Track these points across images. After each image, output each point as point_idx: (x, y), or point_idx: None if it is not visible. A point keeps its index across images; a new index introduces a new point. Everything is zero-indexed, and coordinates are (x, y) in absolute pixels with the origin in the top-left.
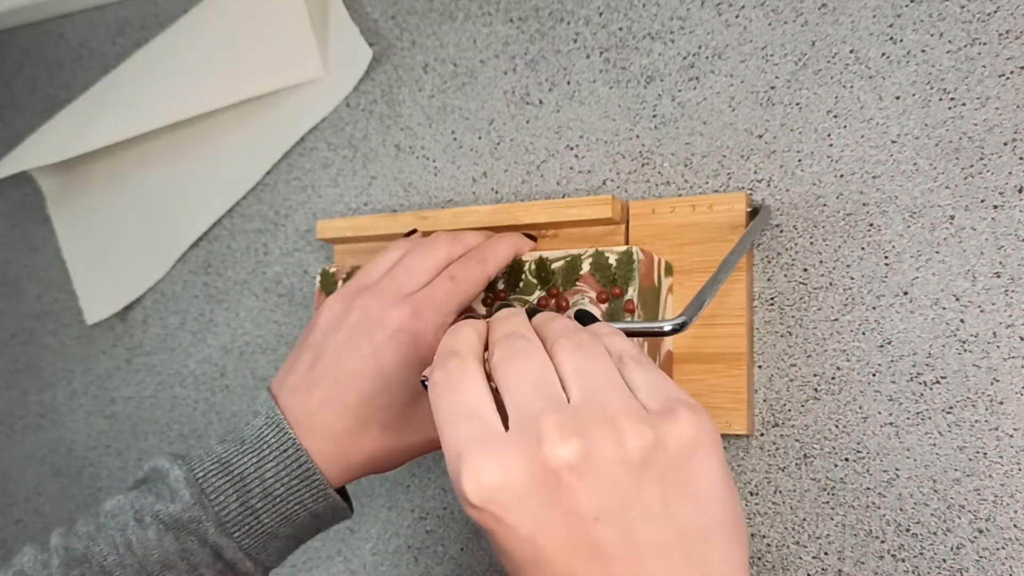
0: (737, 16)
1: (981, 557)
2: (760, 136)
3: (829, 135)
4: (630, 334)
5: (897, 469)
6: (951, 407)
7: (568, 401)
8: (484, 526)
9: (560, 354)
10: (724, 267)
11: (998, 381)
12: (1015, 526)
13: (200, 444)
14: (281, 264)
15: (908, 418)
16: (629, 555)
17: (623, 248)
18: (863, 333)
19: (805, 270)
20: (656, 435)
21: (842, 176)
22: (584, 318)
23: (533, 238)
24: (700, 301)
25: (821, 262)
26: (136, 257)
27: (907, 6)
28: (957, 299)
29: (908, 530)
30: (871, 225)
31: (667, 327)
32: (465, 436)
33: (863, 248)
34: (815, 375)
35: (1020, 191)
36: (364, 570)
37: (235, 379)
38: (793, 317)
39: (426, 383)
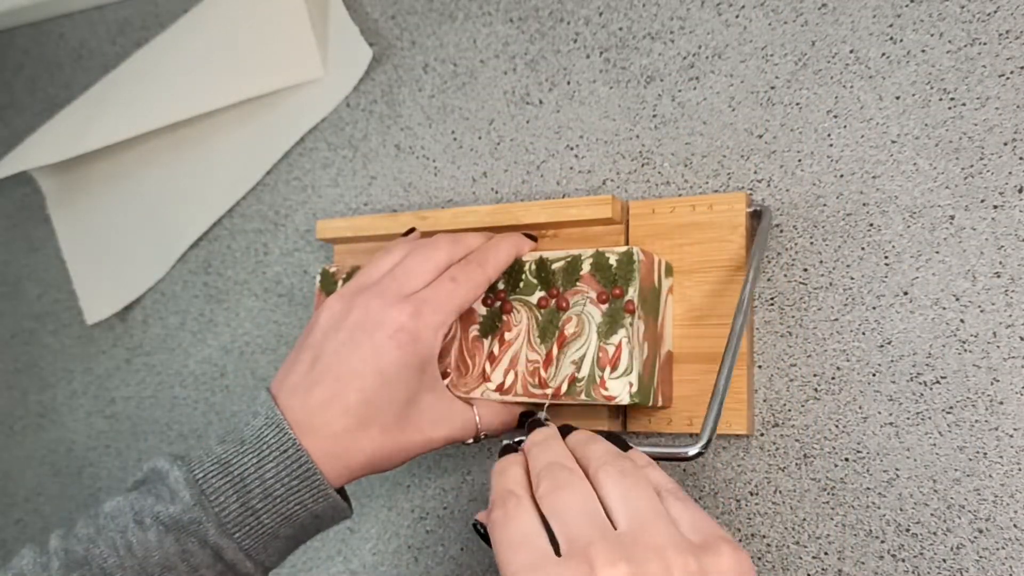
0: (737, 16)
1: (981, 557)
2: (760, 136)
3: (829, 135)
4: (658, 458)
5: (897, 469)
6: (951, 407)
7: (615, 528)
8: None
9: (606, 482)
10: (730, 346)
11: (998, 381)
12: (1015, 526)
13: (199, 445)
14: (281, 264)
15: (908, 418)
16: None
17: (624, 248)
18: (863, 333)
19: (805, 270)
20: (700, 567)
21: (842, 176)
22: (615, 440)
23: (533, 238)
24: (715, 411)
25: (821, 262)
26: (136, 257)
27: (907, 6)
28: (957, 299)
29: (908, 530)
30: (871, 225)
31: (691, 452)
32: (523, 562)
33: (863, 248)
34: (815, 375)
35: (1020, 191)
36: (364, 570)
37: (235, 379)
38: (793, 317)
39: (478, 527)
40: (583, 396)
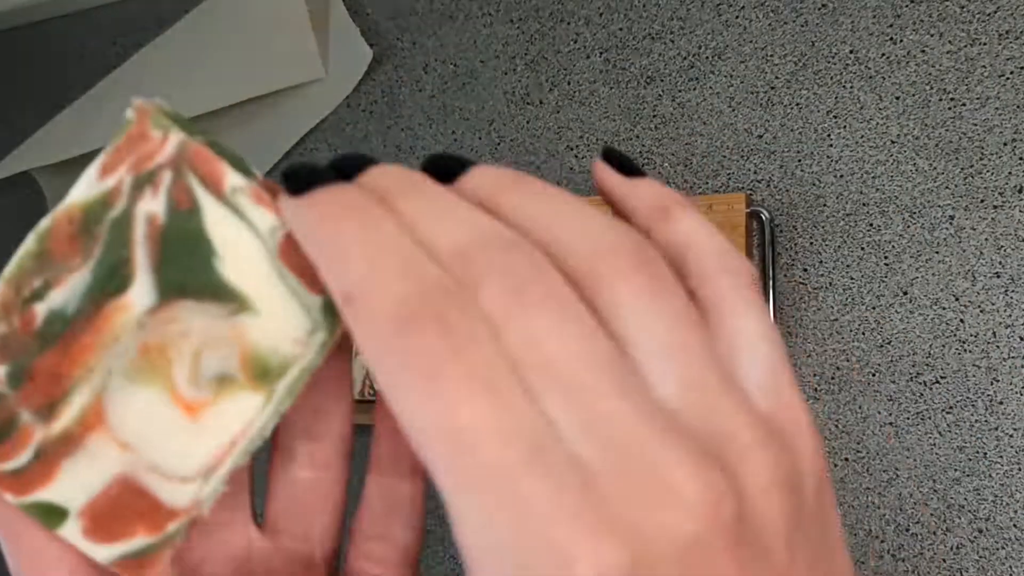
0: (737, 17)
1: (981, 557)
2: (760, 136)
3: (829, 135)
4: None
5: (897, 469)
6: (951, 407)
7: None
8: None
9: (623, 300)
10: None
11: (998, 381)
12: (1015, 526)
13: None
14: None
15: (908, 418)
16: None
17: None
18: (863, 333)
19: (805, 270)
20: (790, 461)
21: (842, 176)
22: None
23: None
24: None
25: (821, 262)
26: None
27: (907, 6)
28: (957, 299)
29: (908, 530)
30: (871, 225)
31: None
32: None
33: (863, 248)
34: (815, 375)
35: (1020, 191)
36: None
37: None
38: (793, 317)
39: None
40: None
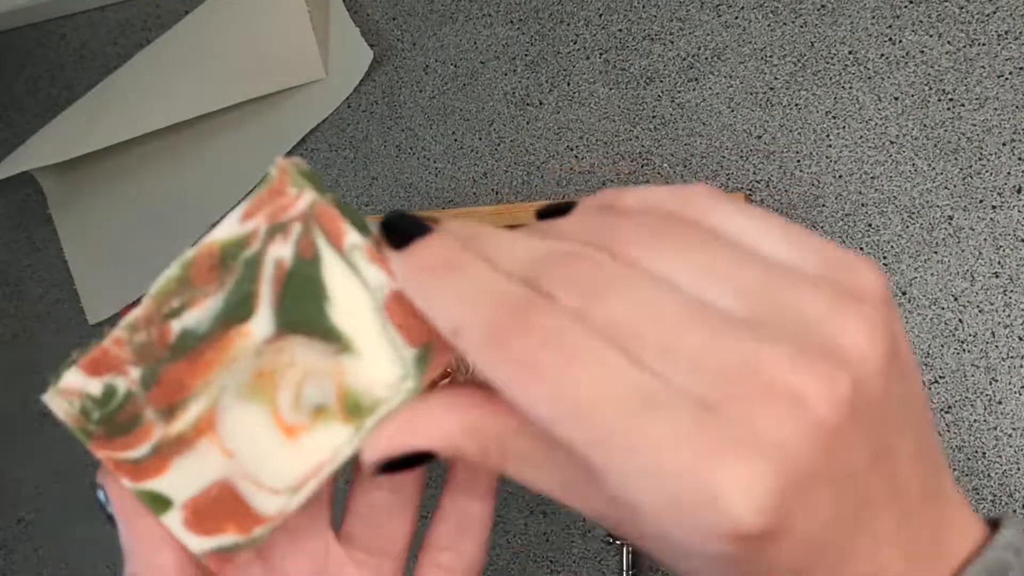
0: (736, 17)
1: None
2: (759, 137)
3: (828, 136)
4: None
5: None
6: (950, 406)
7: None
8: (745, 555)
9: (654, 258)
10: None
11: (996, 381)
12: None
13: None
14: None
15: None
16: (895, 498)
17: None
18: None
19: None
20: (853, 295)
21: (840, 177)
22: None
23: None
24: None
25: None
26: (138, 257)
27: (906, 7)
28: (956, 299)
29: None
30: (870, 225)
31: None
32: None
33: (862, 248)
34: None
35: (1018, 191)
36: None
37: None
38: None
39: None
40: None
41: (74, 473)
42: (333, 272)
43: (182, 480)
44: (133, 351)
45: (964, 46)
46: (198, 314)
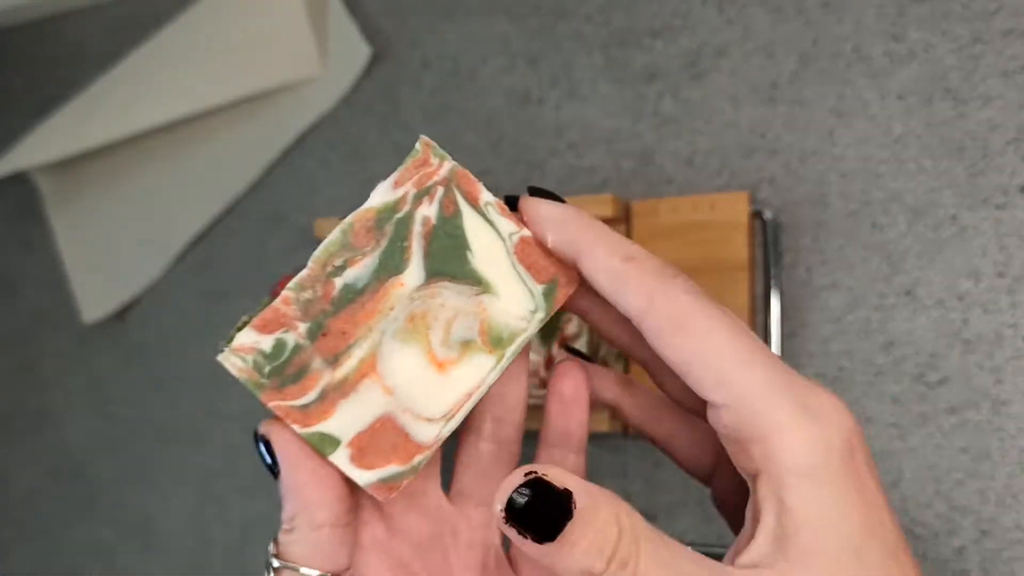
0: (739, 14)
1: (984, 559)
2: (762, 135)
3: (832, 134)
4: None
5: (900, 470)
6: (955, 408)
7: None
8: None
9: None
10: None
11: (1002, 382)
12: (1018, 527)
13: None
14: (280, 263)
15: (911, 419)
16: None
17: None
18: (866, 333)
19: (808, 270)
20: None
21: (845, 175)
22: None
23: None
24: None
25: (824, 262)
26: (134, 256)
27: (910, 4)
28: (961, 299)
29: (911, 532)
30: (874, 224)
31: None
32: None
33: (866, 248)
34: (818, 375)
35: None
36: None
37: (234, 379)
38: (796, 317)
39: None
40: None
41: (71, 474)
42: (472, 225)
43: (348, 420)
44: (300, 308)
45: (968, 43)
46: (357, 271)
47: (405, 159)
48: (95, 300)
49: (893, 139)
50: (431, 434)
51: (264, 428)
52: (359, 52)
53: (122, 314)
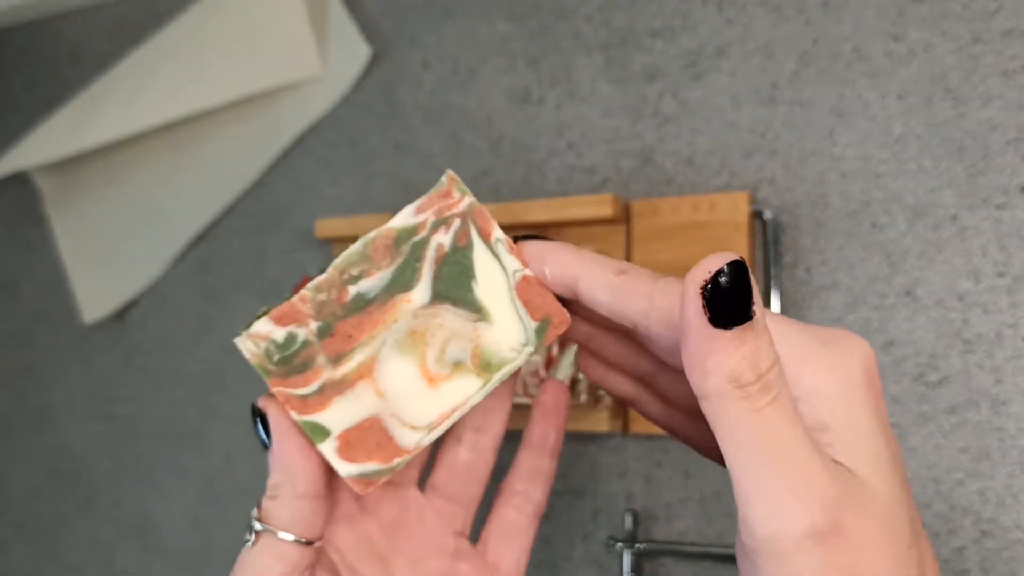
0: (739, 14)
1: (984, 559)
2: (762, 135)
3: (832, 133)
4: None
5: None
6: (955, 408)
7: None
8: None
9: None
10: None
11: (1002, 382)
12: (1018, 527)
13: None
14: (280, 263)
15: (911, 419)
16: None
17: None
18: (866, 333)
19: (808, 270)
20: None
21: (845, 175)
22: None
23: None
24: None
25: (824, 262)
26: (134, 256)
27: (910, 4)
28: (961, 299)
29: None
30: (874, 224)
31: None
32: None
33: (866, 248)
34: None
35: (1023, 190)
36: None
37: (234, 379)
38: (796, 317)
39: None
40: (583, 397)
41: (71, 474)
42: (480, 257)
43: (340, 415)
44: (314, 308)
45: (968, 43)
46: (371, 282)
47: (430, 189)
48: (95, 300)
49: (893, 139)
50: (413, 440)
51: (262, 403)
52: (359, 52)
53: (122, 314)
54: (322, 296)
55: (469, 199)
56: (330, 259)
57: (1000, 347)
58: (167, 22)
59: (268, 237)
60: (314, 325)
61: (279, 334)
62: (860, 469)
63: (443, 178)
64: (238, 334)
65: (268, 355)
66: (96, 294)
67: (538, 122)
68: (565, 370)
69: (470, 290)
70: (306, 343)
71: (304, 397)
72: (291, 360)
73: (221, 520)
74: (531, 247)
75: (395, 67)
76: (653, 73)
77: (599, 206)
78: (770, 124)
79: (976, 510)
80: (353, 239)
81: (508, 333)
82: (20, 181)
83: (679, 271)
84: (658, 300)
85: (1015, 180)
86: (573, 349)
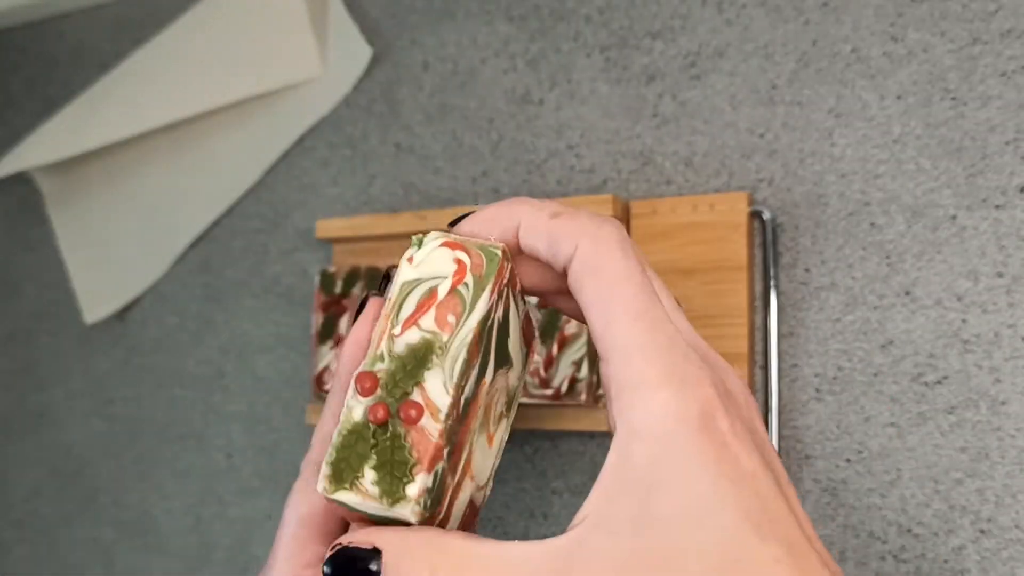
0: (738, 15)
1: (983, 558)
2: (762, 135)
3: (831, 134)
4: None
5: (899, 470)
6: (953, 407)
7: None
8: None
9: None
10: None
11: (1000, 382)
12: (1017, 527)
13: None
14: (280, 264)
15: (910, 419)
16: None
17: None
18: (865, 333)
19: (807, 270)
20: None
21: (844, 175)
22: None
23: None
24: None
25: (823, 262)
26: (135, 256)
27: (908, 5)
28: (959, 299)
29: (910, 531)
30: (873, 225)
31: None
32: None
33: (865, 248)
34: (816, 375)
35: (1022, 191)
36: None
37: (234, 379)
38: (795, 317)
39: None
40: (583, 397)
41: (71, 473)
42: (512, 313)
43: (454, 523)
44: (446, 436)
45: (967, 44)
46: (468, 384)
47: (491, 266)
48: (96, 300)
49: (892, 139)
50: (480, 497)
51: (374, 540)
52: (360, 53)
53: (122, 314)
54: (450, 421)
55: (509, 264)
56: (330, 259)
57: (999, 347)
58: (168, 23)
59: (268, 237)
60: (445, 452)
61: (429, 480)
62: (637, 520)
63: (498, 252)
64: (390, 505)
65: (425, 506)
66: (97, 294)
67: (538, 123)
68: (565, 370)
69: (507, 347)
70: (442, 472)
71: (437, 521)
72: (439, 498)
73: (221, 520)
74: (468, 222)
75: (395, 68)
76: (652, 74)
77: (599, 206)
78: (769, 125)
79: (975, 509)
80: (353, 239)
81: (517, 368)
82: (22, 181)
83: (679, 271)
84: (583, 246)
85: (1014, 180)
86: (573, 349)
